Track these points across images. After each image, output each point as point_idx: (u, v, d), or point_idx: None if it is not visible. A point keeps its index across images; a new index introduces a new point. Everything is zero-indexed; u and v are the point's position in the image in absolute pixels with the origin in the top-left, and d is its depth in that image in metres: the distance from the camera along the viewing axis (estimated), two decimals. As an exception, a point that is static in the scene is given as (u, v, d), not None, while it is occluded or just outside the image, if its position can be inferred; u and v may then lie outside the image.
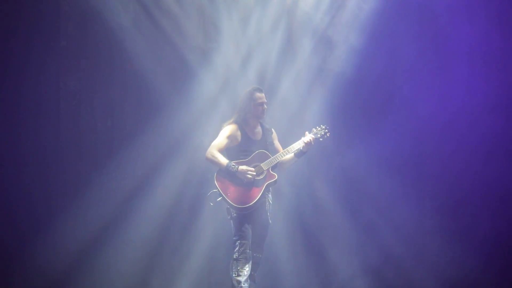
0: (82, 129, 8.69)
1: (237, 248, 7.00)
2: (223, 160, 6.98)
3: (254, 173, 6.98)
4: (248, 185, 6.98)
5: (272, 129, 7.43)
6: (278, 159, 7.11)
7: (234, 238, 7.07)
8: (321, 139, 7.18)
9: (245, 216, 7.02)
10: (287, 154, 7.13)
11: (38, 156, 8.52)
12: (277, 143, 7.41)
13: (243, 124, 7.19)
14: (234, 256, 7.00)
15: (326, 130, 7.19)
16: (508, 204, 8.71)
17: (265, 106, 7.21)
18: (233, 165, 6.94)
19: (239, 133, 7.13)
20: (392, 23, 8.84)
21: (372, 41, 8.83)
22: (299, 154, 7.14)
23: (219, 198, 7.05)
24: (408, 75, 8.93)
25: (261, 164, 7.07)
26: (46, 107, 8.58)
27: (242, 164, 7.00)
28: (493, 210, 8.75)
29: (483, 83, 8.80)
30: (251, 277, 7.10)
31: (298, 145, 7.09)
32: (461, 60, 8.83)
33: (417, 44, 8.87)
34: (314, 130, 7.19)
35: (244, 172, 6.94)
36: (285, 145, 7.28)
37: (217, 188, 7.01)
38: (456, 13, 8.75)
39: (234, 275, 6.96)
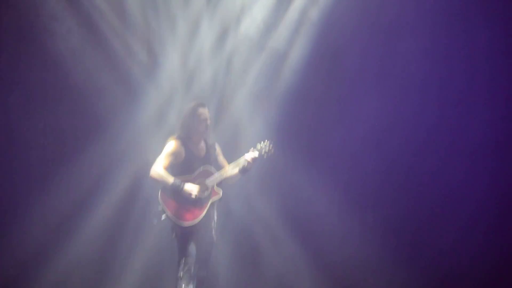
0: (21, 145, 8.50)
1: (181, 267, 6.91)
2: (168, 178, 6.87)
3: (199, 191, 6.89)
4: (193, 202, 6.90)
5: (216, 145, 7.36)
6: (222, 176, 7.06)
7: (178, 256, 6.97)
8: (265, 156, 7.11)
9: (190, 234, 6.93)
10: (232, 170, 7.07)
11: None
12: (221, 159, 7.34)
13: (187, 140, 7.09)
14: (179, 275, 6.89)
15: (270, 146, 7.11)
16: (451, 218, 8.80)
17: (208, 121, 7.13)
18: (178, 183, 6.84)
19: (182, 149, 7.03)
20: (338, 35, 8.88)
21: (317, 54, 8.87)
22: (243, 171, 7.08)
23: (164, 216, 6.94)
24: (354, 87, 8.98)
25: (206, 181, 7.00)
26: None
27: (186, 181, 6.91)
28: (436, 225, 8.83)
29: (418, 100, 8.92)
30: (196, 295, 7.01)
31: (242, 162, 7.03)
32: (400, 75, 8.92)
33: (362, 57, 8.93)
34: (258, 145, 7.12)
35: (189, 191, 6.85)
36: (230, 160, 7.23)
37: (161, 206, 6.91)
38: (402, 27, 8.84)
39: (179, 294, 6.86)
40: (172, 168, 7.02)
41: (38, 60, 8.52)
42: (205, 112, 7.12)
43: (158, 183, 6.92)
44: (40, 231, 8.42)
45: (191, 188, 6.87)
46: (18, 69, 8.48)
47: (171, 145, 7.03)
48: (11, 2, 8.37)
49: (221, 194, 7.04)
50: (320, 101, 9.01)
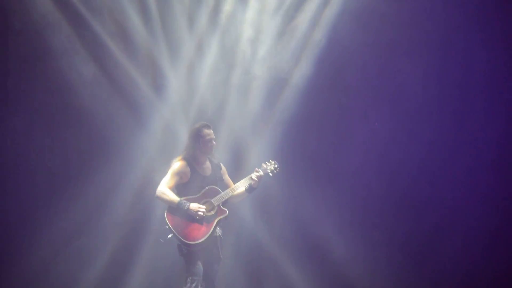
0: (31, 168, 8.60)
1: (188, 285, 6.97)
2: (174, 197, 6.97)
3: (205, 210, 6.99)
4: (199, 221, 6.98)
5: (221, 164, 7.46)
6: (228, 194, 7.14)
7: (185, 274, 7.03)
8: (270, 174, 7.25)
9: (196, 253, 7.00)
10: (237, 189, 7.17)
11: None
12: (227, 178, 7.43)
13: (192, 161, 7.20)
14: (186, 293, 6.97)
15: (276, 166, 7.26)
16: (454, 233, 8.88)
17: (213, 142, 7.24)
18: (184, 202, 6.94)
19: (188, 169, 7.14)
20: (340, 55, 9.01)
21: (319, 74, 9.00)
22: (250, 189, 7.19)
23: (170, 235, 7.01)
24: (355, 106, 9.11)
25: (212, 200, 7.09)
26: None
27: (192, 200, 7.01)
28: (440, 241, 8.92)
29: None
30: (203, 313, 7.07)
31: (248, 181, 7.14)
32: (398, 93, 9.05)
33: (362, 76, 9.07)
34: (264, 165, 7.25)
35: (195, 210, 6.94)
36: (235, 179, 7.31)
37: (168, 225, 6.99)
38: (400, 47, 8.99)
39: (186, 312, 6.93)
40: (178, 187, 7.12)
41: (44, 84, 8.65)
42: (210, 132, 7.23)
43: (164, 202, 7.01)
44: (48, 252, 8.50)
45: (197, 207, 6.96)
46: (24, 93, 8.60)
47: (177, 165, 7.13)
48: (19, 29, 8.49)
49: (227, 212, 7.11)
50: (322, 121, 9.12)
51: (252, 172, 7.18)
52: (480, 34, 8.82)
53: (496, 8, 8.80)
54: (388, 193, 9.01)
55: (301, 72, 9.02)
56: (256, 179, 7.11)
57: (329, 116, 9.11)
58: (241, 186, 7.17)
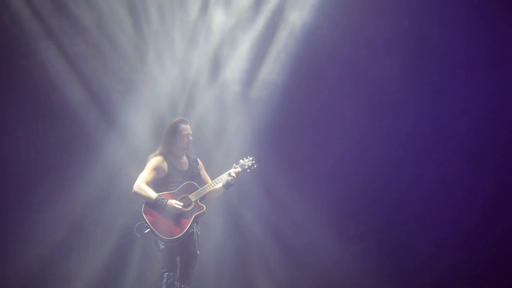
0: (2, 161, 8.50)
1: (164, 280, 6.96)
2: (152, 193, 6.94)
3: (182, 206, 6.97)
4: (177, 217, 6.95)
5: (198, 160, 7.43)
6: (206, 190, 7.12)
7: (162, 270, 7.02)
8: (248, 170, 7.24)
9: (173, 248, 6.99)
10: (215, 185, 7.16)
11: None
12: (204, 173, 7.41)
13: (169, 155, 7.17)
14: (162, 288, 6.96)
15: (254, 162, 7.25)
16: (429, 229, 8.95)
17: (190, 137, 7.22)
18: (162, 198, 6.90)
19: (165, 164, 7.11)
20: (320, 50, 9.04)
21: (299, 69, 9.02)
22: (227, 185, 7.18)
23: (147, 230, 6.98)
24: (333, 101, 9.12)
25: (189, 196, 7.07)
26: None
27: (170, 196, 6.98)
28: (417, 236, 8.97)
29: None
30: (179, 309, 7.06)
31: (225, 177, 7.13)
32: (376, 89, 9.11)
33: (341, 72, 9.08)
34: (241, 161, 7.24)
35: (173, 206, 6.91)
36: (212, 175, 7.29)
37: (145, 220, 6.95)
38: (376, 49, 9.01)
39: (162, 307, 6.92)
40: (155, 183, 7.08)
41: (19, 77, 8.57)
42: (187, 127, 7.21)
43: (142, 197, 6.98)
44: (25, 246, 8.47)
45: (175, 203, 6.93)
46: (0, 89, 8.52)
47: (154, 160, 7.10)
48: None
49: (204, 208, 7.10)
50: (301, 115, 9.15)
51: (230, 168, 7.17)
52: (460, 29, 8.88)
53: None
54: (366, 185, 9.08)
55: (279, 70, 9.02)
56: (234, 175, 7.10)
57: (307, 112, 9.16)
58: (218, 182, 7.15)
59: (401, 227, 9.00)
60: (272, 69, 9.05)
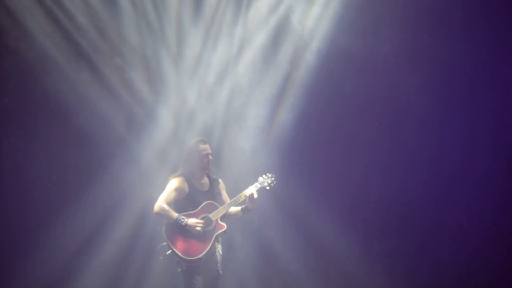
0: (26, 186, 8.58)
1: (188, 301, 6.95)
2: (172, 213, 6.94)
3: (203, 225, 6.96)
4: (198, 236, 6.94)
5: (219, 180, 7.42)
6: (226, 209, 7.10)
7: (185, 290, 7.02)
8: (267, 188, 7.21)
9: (195, 268, 6.98)
10: (235, 203, 7.13)
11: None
12: (224, 193, 7.39)
13: (190, 176, 7.18)
14: (186, 309, 6.94)
15: (273, 179, 7.23)
16: (457, 250, 8.85)
17: (210, 157, 7.22)
18: (182, 218, 6.90)
19: (186, 185, 7.12)
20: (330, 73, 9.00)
21: (318, 85, 9.01)
22: (245, 210, 7.16)
23: (169, 251, 6.97)
24: (351, 123, 9.08)
25: (210, 215, 7.05)
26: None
27: (190, 216, 6.97)
28: (441, 252, 8.88)
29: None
30: (203, 329, 7.03)
31: (243, 197, 7.08)
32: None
33: (358, 85, 9.06)
34: (261, 178, 7.22)
35: (193, 225, 6.91)
36: (233, 194, 7.27)
37: (166, 241, 6.95)
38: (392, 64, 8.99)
39: (185, 328, 6.90)
40: (176, 203, 7.09)
41: (41, 102, 8.67)
42: (206, 148, 7.21)
43: (163, 218, 6.99)
44: (49, 269, 8.50)
45: (195, 223, 6.93)
46: (22, 113, 8.62)
47: (175, 181, 7.11)
48: (13, 47, 8.50)
49: (225, 227, 7.08)
50: (320, 132, 9.11)
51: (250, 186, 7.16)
52: (483, 38, 8.84)
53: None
54: (392, 203, 9.02)
55: (299, 80, 9.01)
56: (250, 194, 7.05)
57: (327, 128, 9.11)
58: (238, 201, 7.12)
59: (427, 243, 8.89)
60: (289, 88, 9.04)
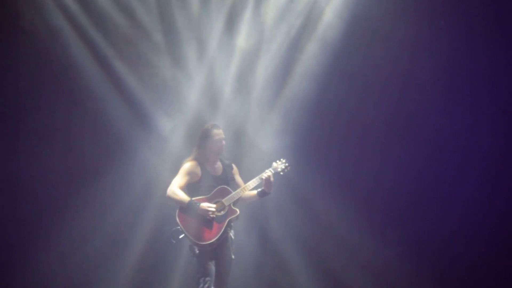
0: (43, 169, 8.62)
1: (201, 286, 6.95)
2: (184, 197, 6.96)
3: (215, 210, 6.96)
4: (210, 221, 6.95)
5: (233, 164, 7.44)
6: (239, 194, 7.11)
7: (197, 275, 7.02)
8: (281, 173, 7.22)
9: (208, 253, 6.99)
10: (248, 189, 7.13)
11: (1, 195, 8.48)
12: (238, 178, 7.40)
13: (203, 161, 7.19)
14: (198, 293, 6.95)
15: (287, 164, 7.24)
16: (474, 236, 8.78)
17: (223, 142, 7.23)
18: (194, 202, 6.92)
19: (199, 169, 7.13)
20: (354, 49, 8.94)
21: (333, 67, 8.93)
22: (262, 193, 7.18)
23: (182, 235, 7.00)
24: (368, 110, 9.02)
25: (223, 200, 7.06)
26: (4, 147, 8.52)
27: (203, 200, 6.99)
28: (457, 241, 8.82)
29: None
30: (215, 313, 7.05)
31: (257, 180, 7.11)
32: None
33: (377, 71, 8.97)
34: (274, 164, 7.23)
35: (205, 209, 6.92)
36: (247, 179, 7.27)
37: (179, 225, 6.97)
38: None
39: (198, 312, 6.92)
40: (189, 187, 7.11)
41: (59, 85, 8.71)
42: (220, 132, 7.22)
43: (175, 202, 7.00)
44: (64, 251, 8.62)
45: (208, 207, 6.94)
46: (39, 94, 8.68)
47: (188, 165, 7.14)
48: (30, 30, 8.53)
49: (238, 212, 7.08)
50: (336, 120, 9.06)
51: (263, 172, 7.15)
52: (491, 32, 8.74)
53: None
54: (404, 193, 8.95)
55: (315, 65, 8.97)
56: (263, 179, 7.07)
57: (342, 116, 9.05)
58: (251, 186, 7.13)
59: (441, 231, 8.83)
60: (304, 74, 8.99)
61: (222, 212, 7.03)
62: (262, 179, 7.09)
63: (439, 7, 8.83)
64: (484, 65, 8.80)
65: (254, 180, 7.13)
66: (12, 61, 8.55)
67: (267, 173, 7.12)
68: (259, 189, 7.18)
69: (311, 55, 8.96)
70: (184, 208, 6.96)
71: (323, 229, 8.94)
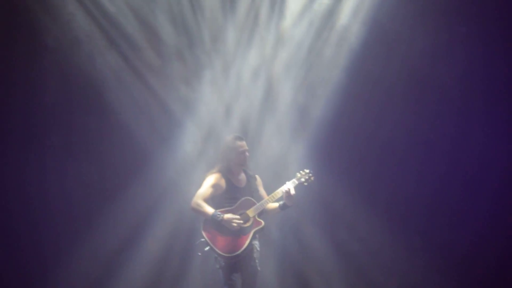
0: (69, 184, 8.68)
1: (226, 297, 6.95)
2: (209, 209, 6.96)
3: (240, 221, 6.96)
4: (235, 233, 6.95)
5: (256, 176, 7.44)
6: (263, 205, 7.10)
7: (223, 287, 7.01)
8: (305, 184, 7.20)
9: (234, 265, 6.99)
10: (273, 200, 7.12)
11: (25, 213, 8.51)
12: (262, 190, 7.40)
13: (227, 172, 7.20)
14: (224, 305, 6.95)
15: (310, 174, 7.22)
16: (497, 240, 8.68)
17: (247, 153, 7.24)
18: (218, 214, 6.92)
19: (223, 181, 7.14)
20: (371, 64, 8.91)
21: (352, 82, 8.90)
22: (283, 206, 7.16)
23: (207, 248, 7.00)
24: (389, 116, 8.97)
25: (247, 211, 7.06)
26: (31, 164, 8.59)
27: (227, 212, 6.99)
28: (480, 246, 8.72)
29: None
30: (241, 326, 7.04)
31: (280, 192, 7.09)
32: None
33: (397, 84, 8.94)
34: (298, 174, 7.22)
35: (230, 221, 6.92)
36: (270, 191, 7.26)
37: (204, 238, 6.98)
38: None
39: (224, 325, 6.91)
40: (214, 199, 7.11)
41: (81, 101, 8.74)
42: (243, 144, 7.23)
43: (199, 214, 7.02)
44: (91, 266, 8.59)
45: (232, 218, 6.94)
46: (63, 111, 8.71)
47: (212, 177, 7.15)
48: (53, 47, 8.61)
49: (263, 224, 7.07)
50: (360, 125, 9.02)
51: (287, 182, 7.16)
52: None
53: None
54: (432, 196, 8.88)
55: (334, 82, 8.95)
56: (284, 191, 7.06)
57: (367, 121, 9.01)
58: (276, 197, 7.12)
59: (464, 236, 8.76)
60: (327, 81, 8.98)
61: (247, 224, 7.02)
62: (283, 191, 7.09)
63: (459, 12, 8.78)
64: (503, 71, 8.73)
65: (277, 191, 7.13)
66: (37, 77, 8.61)
67: (287, 186, 7.11)
68: (281, 202, 7.16)
69: (331, 60, 8.96)
70: (208, 220, 6.96)
71: (347, 234, 8.92)
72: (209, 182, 7.11)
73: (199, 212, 7.00)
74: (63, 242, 8.59)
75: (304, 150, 8.88)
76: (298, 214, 8.81)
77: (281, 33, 8.97)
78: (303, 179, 7.19)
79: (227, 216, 6.93)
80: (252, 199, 7.15)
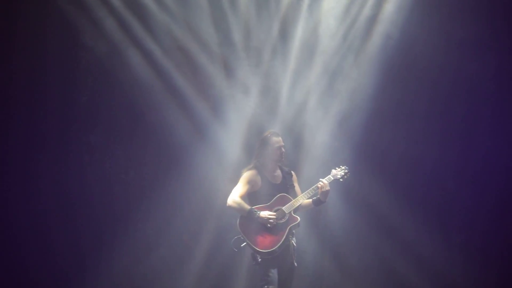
0: (105, 181, 8.81)
1: (263, 293, 6.98)
2: (245, 206, 7.00)
3: (276, 218, 6.98)
4: (271, 229, 6.97)
5: (292, 172, 7.44)
6: (299, 202, 7.10)
7: (260, 283, 7.04)
8: (341, 180, 7.20)
9: (270, 261, 7.00)
10: (308, 196, 7.13)
11: (65, 211, 8.65)
12: (297, 186, 7.40)
13: (263, 169, 7.22)
14: (261, 302, 6.97)
15: (346, 170, 7.21)
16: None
17: (283, 149, 7.24)
18: (254, 211, 6.95)
19: (259, 178, 7.16)
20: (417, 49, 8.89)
21: (387, 84, 8.89)
22: (317, 202, 7.16)
23: (243, 244, 7.03)
24: (421, 119, 8.95)
25: (283, 208, 7.06)
26: (70, 163, 8.71)
27: (263, 209, 7.01)
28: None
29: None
30: (279, 321, 7.05)
31: (315, 188, 7.10)
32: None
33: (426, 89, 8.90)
34: (334, 171, 7.21)
35: (266, 218, 6.94)
36: (306, 187, 7.26)
37: (241, 234, 7.01)
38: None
39: (262, 320, 6.94)
40: (250, 196, 7.14)
41: (118, 100, 8.86)
42: (279, 140, 7.23)
43: (236, 211, 7.06)
44: (129, 262, 8.71)
45: (268, 215, 6.96)
46: (100, 110, 8.84)
47: (248, 174, 7.17)
48: (90, 46, 8.71)
49: (299, 220, 7.07)
50: (394, 121, 9.01)
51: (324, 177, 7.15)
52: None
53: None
54: (471, 192, 8.85)
55: (368, 79, 8.94)
56: (321, 186, 7.05)
57: (401, 117, 9.00)
58: (310, 193, 7.11)
59: (505, 236, 8.67)
60: (361, 78, 8.95)
61: (283, 220, 7.03)
62: (318, 187, 7.09)
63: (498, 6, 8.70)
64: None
65: (312, 188, 7.12)
66: (74, 77, 8.73)
67: (322, 181, 7.12)
68: (315, 198, 7.16)
69: (369, 55, 8.92)
70: (244, 216, 6.99)
71: (382, 232, 8.87)
72: (245, 179, 7.14)
73: (235, 209, 7.04)
74: (104, 239, 8.72)
75: (341, 147, 8.93)
76: (333, 210, 8.80)
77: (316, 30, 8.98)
78: (339, 175, 7.18)
79: (263, 213, 6.96)
80: (288, 196, 7.15)
